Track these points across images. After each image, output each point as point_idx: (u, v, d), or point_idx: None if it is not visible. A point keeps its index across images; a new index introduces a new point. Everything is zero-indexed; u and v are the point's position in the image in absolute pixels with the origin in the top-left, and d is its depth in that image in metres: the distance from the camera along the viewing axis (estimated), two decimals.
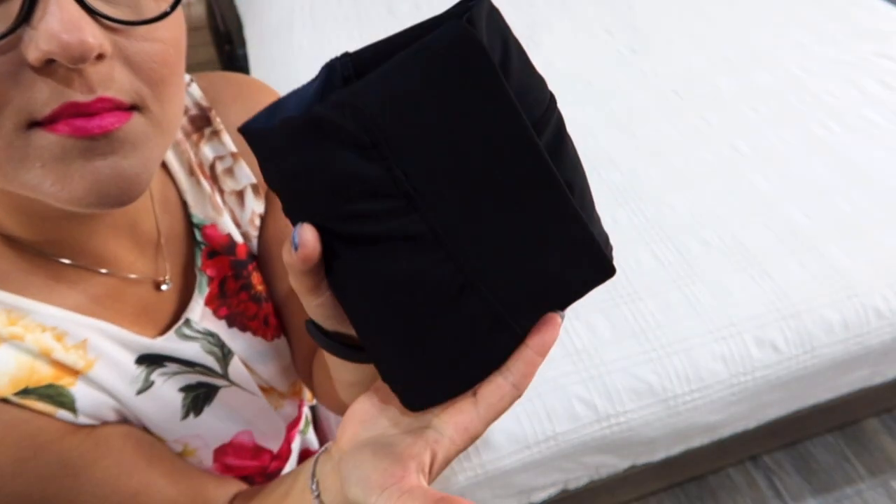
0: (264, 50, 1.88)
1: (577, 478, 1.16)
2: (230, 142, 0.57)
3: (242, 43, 2.00)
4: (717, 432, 1.21)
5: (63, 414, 0.46)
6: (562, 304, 0.37)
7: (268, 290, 0.62)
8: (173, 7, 0.37)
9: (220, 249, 0.57)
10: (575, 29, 1.89)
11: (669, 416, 1.11)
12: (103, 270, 0.50)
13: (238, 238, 0.58)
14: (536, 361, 0.36)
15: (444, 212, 0.32)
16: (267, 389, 0.64)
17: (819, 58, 1.72)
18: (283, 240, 0.59)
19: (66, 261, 0.48)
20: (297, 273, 0.34)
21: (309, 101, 0.35)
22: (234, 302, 0.58)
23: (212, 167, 0.57)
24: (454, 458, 0.37)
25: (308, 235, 0.32)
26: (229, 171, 0.57)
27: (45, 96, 0.33)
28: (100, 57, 0.34)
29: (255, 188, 0.58)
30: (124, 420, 0.51)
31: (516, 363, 0.36)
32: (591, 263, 0.36)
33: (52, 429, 0.45)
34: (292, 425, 0.71)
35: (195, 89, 0.57)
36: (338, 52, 0.36)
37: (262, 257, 0.61)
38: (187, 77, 0.57)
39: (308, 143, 0.31)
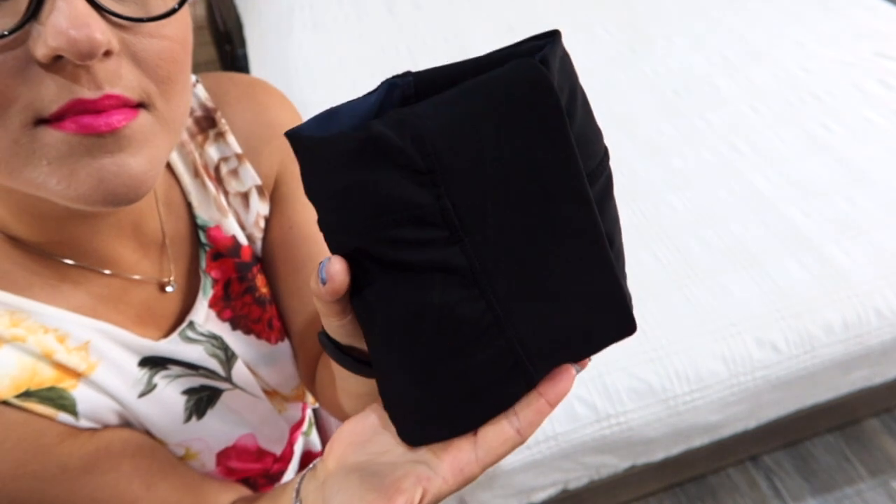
0: (264, 50, 1.88)
1: (577, 478, 1.16)
2: (235, 143, 0.56)
3: (242, 43, 1.99)
4: (717, 432, 1.21)
5: (64, 417, 0.45)
6: (580, 355, 0.36)
7: (272, 293, 0.62)
8: (181, 4, 0.37)
9: (225, 251, 0.57)
10: (575, 29, 1.89)
11: (669, 416, 1.11)
12: (107, 271, 0.49)
13: (243, 240, 0.58)
14: (546, 411, 0.35)
15: (485, 249, 0.32)
16: (271, 393, 0.63)
17: (819, 58, 1.72)
18: (288, 242, 0.59)
19: (70, 261, 0.47)
20: (323, 302, 0.34)
21: (364, 115, 0.34)
22: (239, 304, 0.58)
23: (217, 168, 0.56)
24: (445, 498, 0.36)
25: (337, 268, 0.32)
26: (234, 173, 0.57)
27: (52, 93, 0.33)
28: (107, 54, 0.34)
29: (259, 190, 0.58)
30: (126, 423, 0.51)
31: (525, 410, 0.35)
32: (618, 319, 0.35)
33: (52, 432, 0.45)
34: (295, 428, 0.71)
35: (200, 90, 0.56)
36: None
37: (266, 260, 0.61)
38: (193, 77, 0.56)
39: (360, 158, 0.30)
